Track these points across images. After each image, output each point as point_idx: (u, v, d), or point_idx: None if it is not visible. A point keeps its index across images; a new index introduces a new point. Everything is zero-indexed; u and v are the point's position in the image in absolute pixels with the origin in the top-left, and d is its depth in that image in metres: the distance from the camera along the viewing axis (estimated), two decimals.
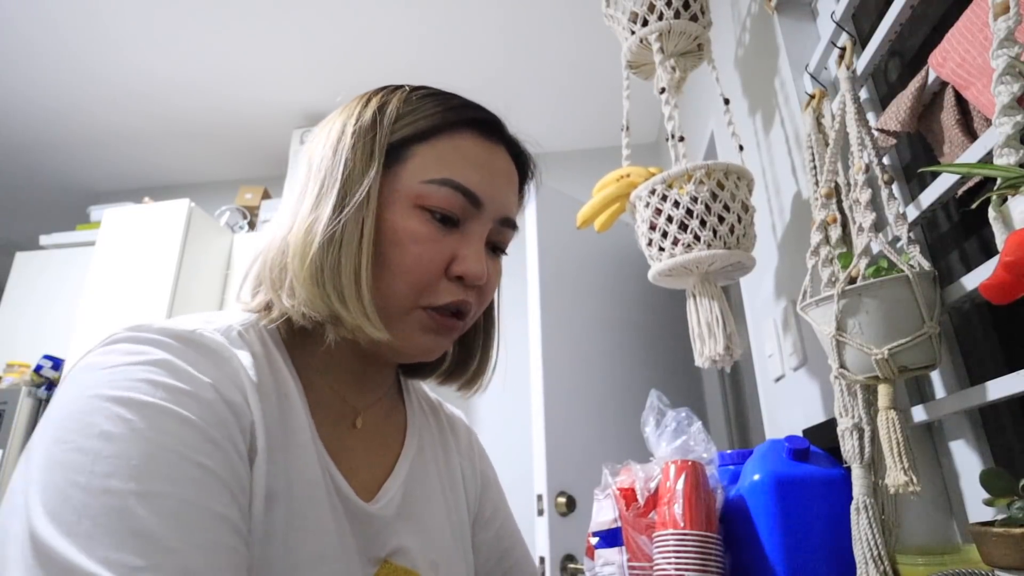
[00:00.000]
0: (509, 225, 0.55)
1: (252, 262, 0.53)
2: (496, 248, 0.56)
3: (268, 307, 0.50)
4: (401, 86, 0.55)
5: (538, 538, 1.63)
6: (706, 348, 0.93)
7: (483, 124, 0.54)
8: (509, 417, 2.35)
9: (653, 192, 0.97)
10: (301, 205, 0.50)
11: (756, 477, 0.74)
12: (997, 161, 0.52)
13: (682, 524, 0.70)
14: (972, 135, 0.68)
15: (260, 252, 0.52)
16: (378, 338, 0.47)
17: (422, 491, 0.57)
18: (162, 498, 0.35)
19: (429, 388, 0.70)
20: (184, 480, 0.36)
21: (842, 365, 0.67)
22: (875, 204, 0.74)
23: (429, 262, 0.49)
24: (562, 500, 1.65)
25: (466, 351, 0.62)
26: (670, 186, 0.95)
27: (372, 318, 0.46)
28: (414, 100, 0.53)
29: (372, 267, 0.47)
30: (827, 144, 0.84)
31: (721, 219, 0.92)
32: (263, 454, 0.42)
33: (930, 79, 0.74)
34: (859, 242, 0.72)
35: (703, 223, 0.91)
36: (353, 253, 0.46)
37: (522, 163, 0.59)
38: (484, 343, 0.62)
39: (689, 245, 0.92)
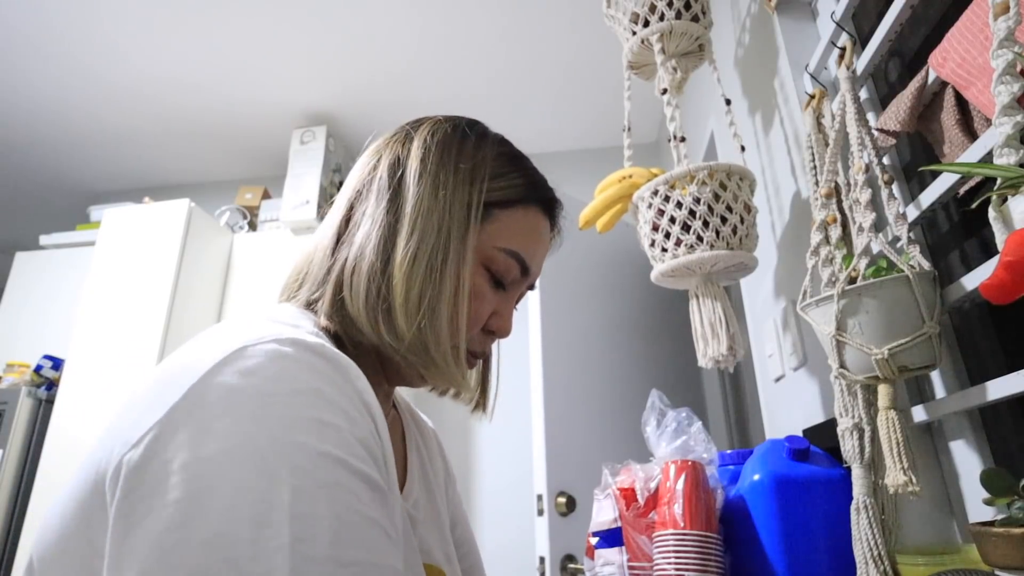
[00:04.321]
0: (532, 288, 0.61)
1: (309, 261, 0.53)
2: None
3: (313, 306, 0.51)
4: (486, 132, 0.58)
5: (538, 538, 1.63)
6: (709, 348, 0.93)
7: (549, 204, 0.59)
8: (509, 417, 2.35)
9: (655, 193, 0.97)
10: (397, 234, 0.50)
11: (756, 477, 0.74)
12: (997, 161, 0.52)
13: (682, 524, 0.70)
14: (972, 135, 0.68)
15: (327, 255, 0.52)
16: (460, 388, 0.51)
17: (427, 490, 0.61)
18: (360, 567, 0.34)
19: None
20: (371, 544, 0.35)
21: (842, 365, 0.67)
22: (875, 204, 0.74)
23: (479, 318, 0.54)
24: (562, 500, 1.65)
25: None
26: (672, 187, 0.95)
27: (464, 373, 0.50)
28: (505, 162, 0.56)
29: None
30: (827, 144, 0.84)
31: (723, 220, 0.92)
32: (391, 467, 0.43)
33: (930, 79, 0.74)
34: (859, 242, 0.72)
35: (705, 224, 0.91)
36: (456, 312, 0.49)
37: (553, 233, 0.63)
38: (484, 372, 0.66)
39: (692, 246, 0.92)
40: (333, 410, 0.37)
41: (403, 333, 0.47)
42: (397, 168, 0.53)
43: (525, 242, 0.55)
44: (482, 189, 0.53)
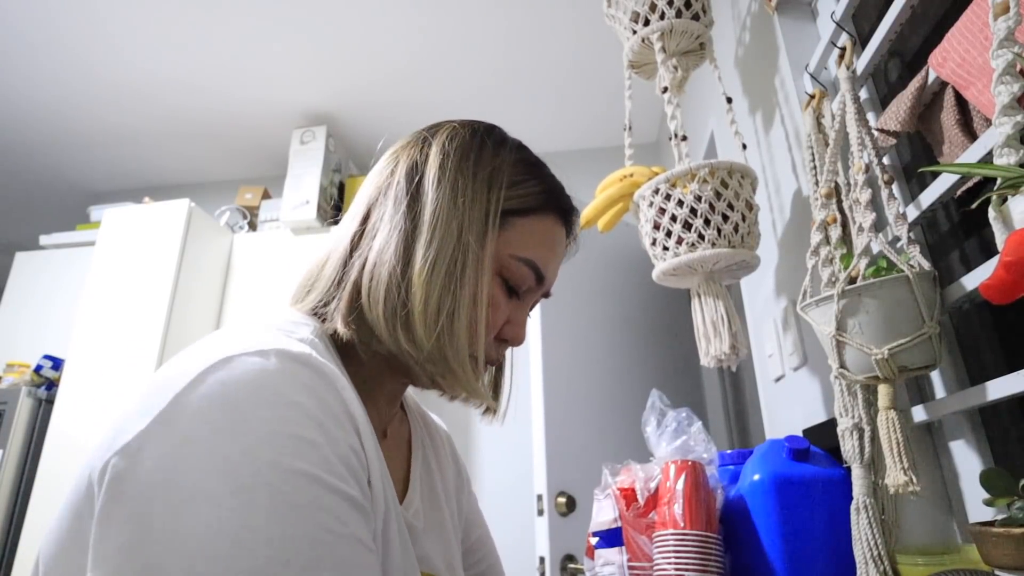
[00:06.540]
0: (547, 295, 0.60)
1: (321, 266, 0.53)
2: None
3: (321, 315, 0.50)
4: (505, 138, 0.57)
5: (538, 538, 1.63)
6: (711, 347, 0.93)
7: (565, 212, 0.58)
8: (509, 417, 2.35)
9: (657, 191, 0.97)
10: (416, 240, 0.49)
11: (756, 477, 0.74)
12: (997, 161, 0.52)
13: (682, 524, 0.70)
14: (972, 135, 0.68)
15: (342, 260, 0.51)
16: (475, 397, 0.51)
17: (432, 497, 0.60)
18: None
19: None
20: (346, 563, 0.35)
21: (842, 365, 0.67)
22: (875, 204, 0.74)
23: (492, 326, 0.53)
24: (562, 500, 1.65)
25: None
26: (674, 185, 0.95)
27: (481, 382, 0.49)
28: (523, 169, 0.56)
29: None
30: (827, 144, 0.84)
31: (725, 218, 0.92)
32: (376, 478, 0.43)
33: (930, 79, 0.74)
34: (859, 242, 0.72)
35: (707, 222, 0.91)
36: (475, 320, 0.49)
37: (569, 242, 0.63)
38: (497, 376, 0.66)
39: (693, 244, 0.92)
40: (312, 425, 0.37)
41: (422, 342, 0.46)
42: (415, 173, 0.52)
43: (541, 251, 0.55)
44: (499, 197, 0.52)
